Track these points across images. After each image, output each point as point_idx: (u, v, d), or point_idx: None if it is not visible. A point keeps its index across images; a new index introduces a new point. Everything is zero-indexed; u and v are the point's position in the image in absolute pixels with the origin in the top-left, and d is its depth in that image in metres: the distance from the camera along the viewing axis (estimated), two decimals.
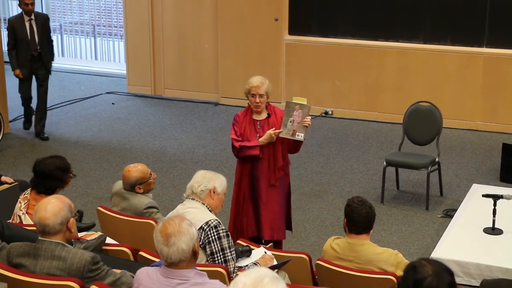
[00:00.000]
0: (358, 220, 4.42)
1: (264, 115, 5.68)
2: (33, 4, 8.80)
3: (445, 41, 9.51)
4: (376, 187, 7.58)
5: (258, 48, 10.29)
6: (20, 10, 8.94)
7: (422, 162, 7.21)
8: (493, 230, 6.19)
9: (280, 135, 5.61)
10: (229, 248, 4.27)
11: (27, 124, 9.40)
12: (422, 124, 7.50)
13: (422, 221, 6.91)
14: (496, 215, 6.15)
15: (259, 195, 5.70)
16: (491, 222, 6.18)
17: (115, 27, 12.57)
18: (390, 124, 9.57)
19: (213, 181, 4.48)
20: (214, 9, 10.49)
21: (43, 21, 8.92)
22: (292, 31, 10.17)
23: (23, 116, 9.42)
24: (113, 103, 10.74)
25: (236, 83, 10.06)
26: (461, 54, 9.41)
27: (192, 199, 4.47)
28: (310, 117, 5.59)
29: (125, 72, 11.39)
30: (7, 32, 8.86)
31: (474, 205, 6.73)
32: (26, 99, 9.18)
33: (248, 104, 5.72)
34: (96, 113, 10.29)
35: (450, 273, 2.92)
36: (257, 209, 5.72)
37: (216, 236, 4.24)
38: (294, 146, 5.73)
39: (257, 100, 5.57)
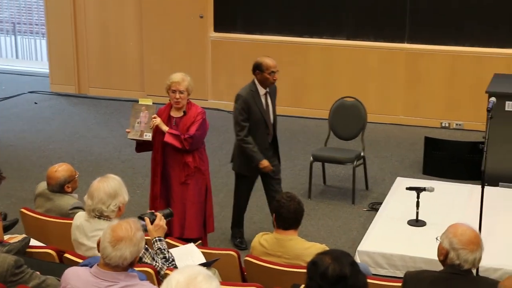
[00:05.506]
0: (286, 216, 4.44)
1: (181, 113, 5.71)
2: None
3: (368, 37, 9.67)
4: (303, 183, 7.65)
5: (183, 46, 10.24)
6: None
7: (347, 156, 7.31)
8: (416, 222, 6.33)
9: (129, 137, 5.79)
10: (152, 261, 4.10)
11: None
12: (347, 119, 7.61)
13: (349, 215, 7.01)
14: (419, 207, 6.30)
15: (170, 193, 5.76)
16: (414, 214, 6.33)
17: (37, 25, 12.29)
18: (316, 120, 9.66)
19: (118, 194, 4.18)
20: (138, 6, 10.38)
21: (275, 92, 6.33)
22: (217, 28, 10.16)
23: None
24: (35, 103, 10.50)
25: (162, 81, 9.80)
26: (383, 49, 9.58)
27: (97, 217, 4.19)
28: (156, 118, 5.67)
29: (47, 70, 11.15)
30: (237, 112, 6.12)
31: (398, 198, 6.87)
32: (245, 205, 6.50)
33: (169, 100, 5.77)
34: (18, 113, 10.04)
35: (348, 254, 3.01)
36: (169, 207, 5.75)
37: None
38: (145, 146, 5.81)
39: (177, 96, 5.65)
